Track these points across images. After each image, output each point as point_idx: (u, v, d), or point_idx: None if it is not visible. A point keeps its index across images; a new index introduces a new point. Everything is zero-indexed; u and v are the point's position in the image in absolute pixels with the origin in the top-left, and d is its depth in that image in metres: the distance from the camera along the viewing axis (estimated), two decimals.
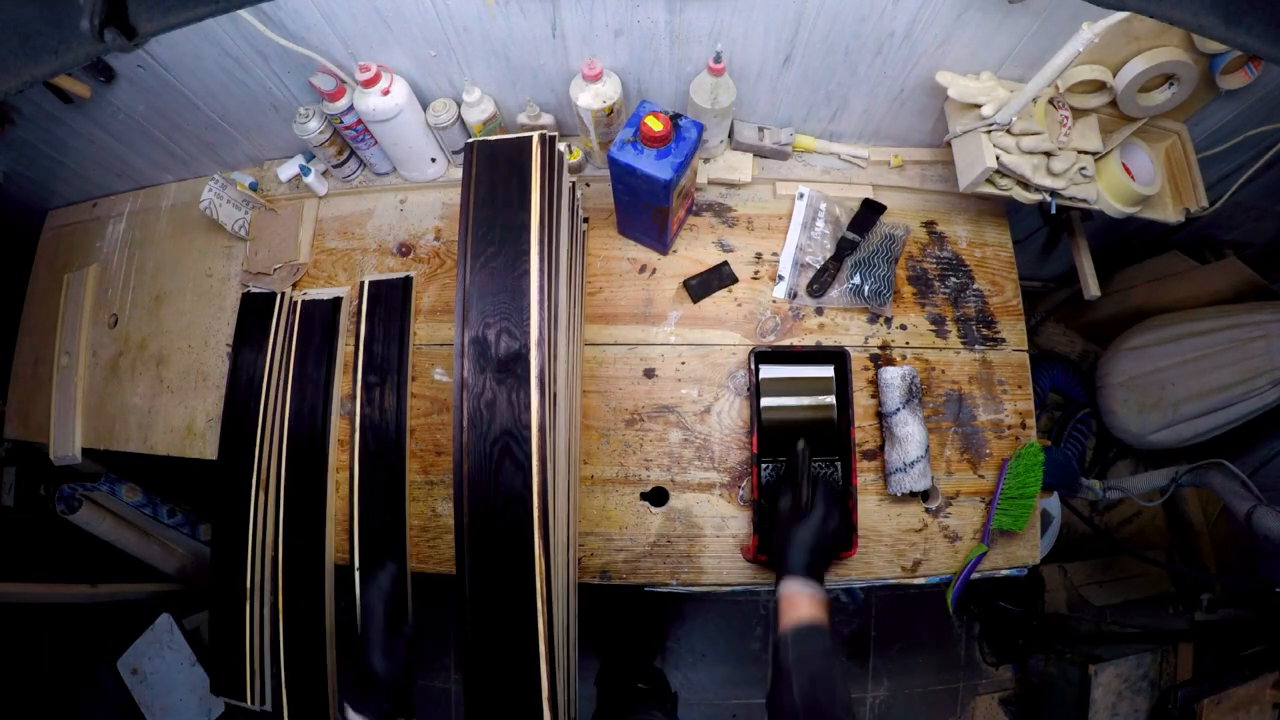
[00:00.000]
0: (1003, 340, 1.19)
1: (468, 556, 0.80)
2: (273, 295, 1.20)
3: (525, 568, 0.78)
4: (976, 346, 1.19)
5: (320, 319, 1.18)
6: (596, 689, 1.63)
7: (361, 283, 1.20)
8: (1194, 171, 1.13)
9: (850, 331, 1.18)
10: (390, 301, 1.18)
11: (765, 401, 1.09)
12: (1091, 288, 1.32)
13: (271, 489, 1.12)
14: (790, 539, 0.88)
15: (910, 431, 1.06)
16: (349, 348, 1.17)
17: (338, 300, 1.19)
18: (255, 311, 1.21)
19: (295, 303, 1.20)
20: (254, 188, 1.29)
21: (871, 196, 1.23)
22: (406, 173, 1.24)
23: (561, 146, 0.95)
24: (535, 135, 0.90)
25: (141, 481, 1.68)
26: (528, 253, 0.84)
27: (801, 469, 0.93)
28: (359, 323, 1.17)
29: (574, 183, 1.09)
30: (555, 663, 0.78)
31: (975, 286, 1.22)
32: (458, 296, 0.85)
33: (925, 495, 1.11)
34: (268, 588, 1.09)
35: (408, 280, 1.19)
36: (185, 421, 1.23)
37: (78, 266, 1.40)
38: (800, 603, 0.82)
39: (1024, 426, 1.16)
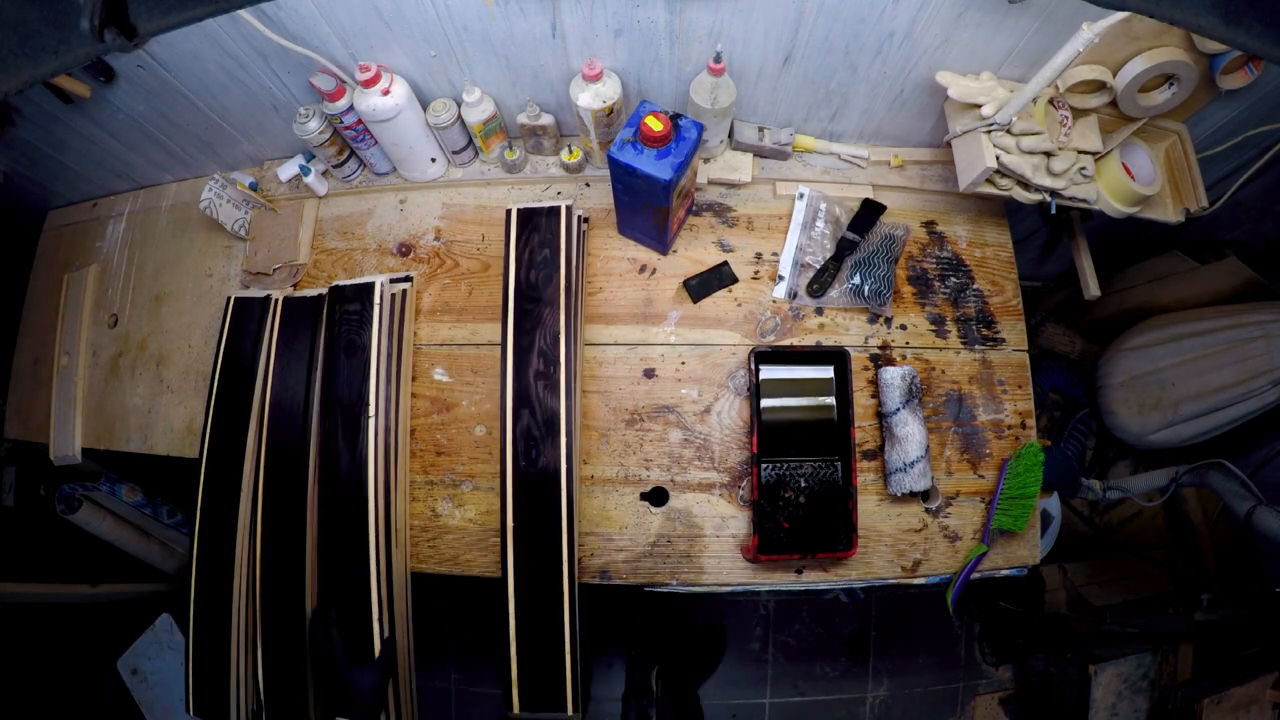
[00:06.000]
0: (1003, 340, 1.19)
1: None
2: (266, 298, 1.19)
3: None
4: (976, 346, 1.19)
5: (312, 319, 1.17)
6: (621, 704, 1.64)
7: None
8: (1194, 171, 1.13)
9: (850, 331, 1.18)
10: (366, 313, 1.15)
11: (765, 401, 1.09)
12: (1091, 288, 1.32)
13: (257, 492, 1.11)
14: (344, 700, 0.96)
15: (910, 431, 1.06)
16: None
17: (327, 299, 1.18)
18: (244, 315, 1.19)
19: (278, 301, 1.18)
20: (254, 188, 1.29)
21: (871, 196, 1.23)
22: (406, 173, 1.24)
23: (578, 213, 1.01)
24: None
25: (141, 481, 1.68)
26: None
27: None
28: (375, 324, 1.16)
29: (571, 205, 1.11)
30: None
31: (975, 286, 1.22)
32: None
33: (925, 495, 1.11)
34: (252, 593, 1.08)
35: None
36: (185, 421, 1.23)
37: (78, 266, 1.40)
38: None
39: (1024, 426, 1.16)
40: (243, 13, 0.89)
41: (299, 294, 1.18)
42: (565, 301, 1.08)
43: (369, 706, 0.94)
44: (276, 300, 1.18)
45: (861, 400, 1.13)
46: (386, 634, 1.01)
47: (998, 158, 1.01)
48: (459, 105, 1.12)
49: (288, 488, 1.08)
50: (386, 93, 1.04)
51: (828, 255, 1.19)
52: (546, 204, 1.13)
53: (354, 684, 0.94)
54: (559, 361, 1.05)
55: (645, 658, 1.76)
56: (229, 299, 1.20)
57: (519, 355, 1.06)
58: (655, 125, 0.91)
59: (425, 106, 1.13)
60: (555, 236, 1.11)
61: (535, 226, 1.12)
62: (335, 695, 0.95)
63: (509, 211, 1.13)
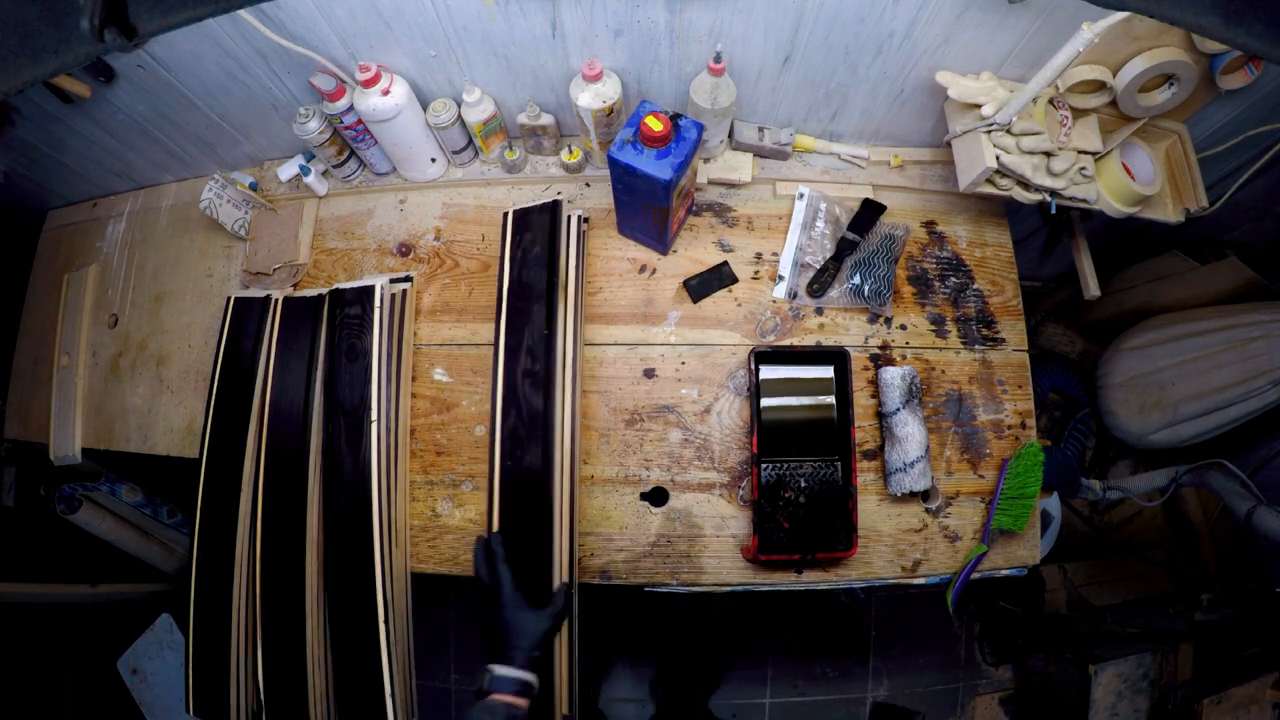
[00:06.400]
0: (1003, 340, 1.19)
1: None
2: (266, 299, 1.19)
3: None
4: (976, 346, 1.19)
5: (312, 320, 1.17)
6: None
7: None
8: (1194, 171, 1.13)
9: (850, 331, 1.18)
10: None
11: (765, 401, 1.08)
12: (1091, 288, 1.32)
13: (257, 492, 1.10)
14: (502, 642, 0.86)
15: (910, 431, 1.06)
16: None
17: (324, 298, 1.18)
18: (244, 315, 1.19)
19: (278, 301, 1.18)
20: (254, 188, 1.29)
21: (871, 196, 1.23)
22: (406, 173, 1.24)
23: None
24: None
25: (141, 481, 1.68)
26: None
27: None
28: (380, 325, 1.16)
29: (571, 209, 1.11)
30: None
31: (975, 286, 1.22)
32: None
33: (925, 495, 1.11)
34: (252, 590, 1.08)
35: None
36: (185, 421, 1.23)
37: (78, 266, 1.40)
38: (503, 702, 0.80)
39: (1024, 426, 1.16)
40: (243, 13, 0.89)
41: (299, 294, 1.18)
42: (549, 297, 1.07)
43: (534, 659, 0.83)
44: (276, 300, 1.18)
45: (861, 400, 1.13)
46: (565, 580, 0.94)
47: (998, 158, 1.01)
48: (459, 105, 1.12)
49: (288, 488, 1.08)
50: (386, 93, 1.04)
51: (828, 255, 1.19)
52: (539, 203, 1.13)
53: (518, 629, 0.85)
54: (551, 358, 1.04)
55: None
56: (229, 299, 1.20)
57: (509, 355, 1.06)
58: (655, 125, 0.91)
59: (425, 106, 1.13)
60: (547, 232, 1.11)
61: (529, 225, 1.13)
62: (495, 642, 0.85)
63: (506, 214, 1.14)
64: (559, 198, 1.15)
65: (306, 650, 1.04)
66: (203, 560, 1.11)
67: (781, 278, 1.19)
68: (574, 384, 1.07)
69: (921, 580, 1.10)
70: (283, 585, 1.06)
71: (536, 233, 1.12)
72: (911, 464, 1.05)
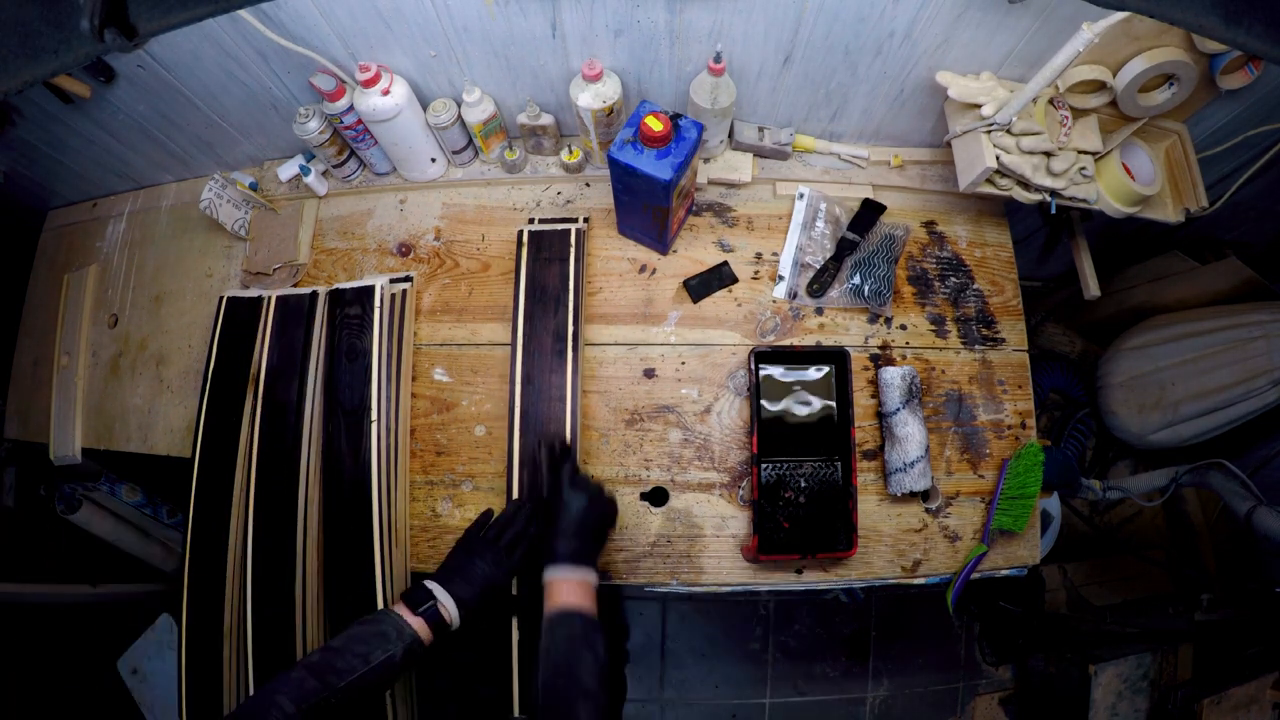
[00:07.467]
0: (1003, 340, 1.19)
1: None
2: (258, 298, 1.18)
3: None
4: (976, 346, 1.19)
5: (306, 317, 1.16)
6: None
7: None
8: (1194, 171, 1.13)
9: (850, 331, 1.18)
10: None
11: (765, 402, 1.09)
12: (1091, 288, 1.32)
13: (250, 492, 1.10)
14: (552, 527, 0.91)
15: (910, 431, 1.06)
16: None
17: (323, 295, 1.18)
18: (236, 314, 1.19)
19: (273, 300, 1.18)
20: (254, 188, 1.29)
21: (871, 196, 1.23)
22: (406, 173, 1.24)
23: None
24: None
25: (141, 481, 1.68)
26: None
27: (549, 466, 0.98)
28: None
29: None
30: None
31: (975, 286, 1.22)
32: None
33: (925, 495, 1.11)
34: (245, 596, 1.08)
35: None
36: (185, 421, 1.23)
37: (78, 266, 1.40)
38: (559, 590, 0.86)
39: (1024, 426, 1.16)
40: (243, 13, 0.89)
41: (293, 292, 1.18)
42: (552, 314, 1.12)
43: (576, 551, 0.88)
44: (271, 299, 1.18)
45: (861, 400, 1.13)
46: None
47: (998, 158, 1.01)
48: (459, 105, 1.12)
49: (287, 488, 1.08)
50: (386, 93, 1.04)
51: (828, 255, 1.19)
52: (555, 225, 1.17)
53: (566, 504, 0.90)
54: (564, 358, 1.07)
55: None
56: (221, 298, 1.20)
57: (526, 359, 1.09)
58: (655, 125, 0.91)
59: (425, 106, 1.13)
60: (559, 252, 1.14)
61: (543, 244, 1.16)
62: (545, 532, 0.92)
63: (520, 232, 1.17)
64: (560, 199, 1.16)
65: (307, 650, 1.04)
66: (196, 564, 1.10)
67: (781, 278, 1.19)
68: (574, 384, 1.07)
69: (921, 580, 1.10)
70: (282, 585, 1.06)
71: (551, 250, 1.15)
72: (911, 464, 1.05)
